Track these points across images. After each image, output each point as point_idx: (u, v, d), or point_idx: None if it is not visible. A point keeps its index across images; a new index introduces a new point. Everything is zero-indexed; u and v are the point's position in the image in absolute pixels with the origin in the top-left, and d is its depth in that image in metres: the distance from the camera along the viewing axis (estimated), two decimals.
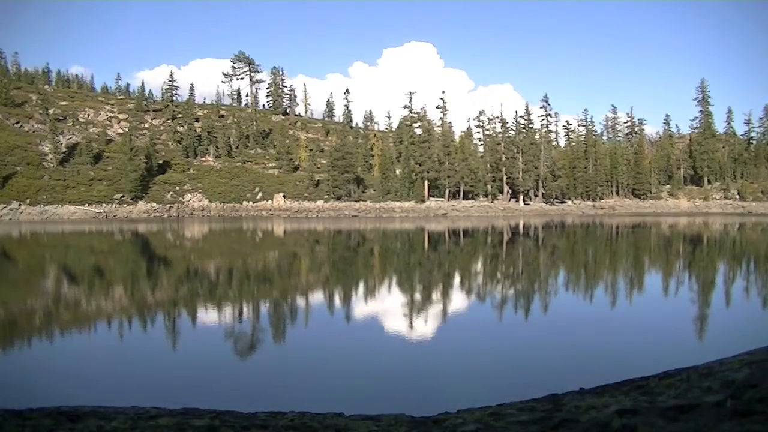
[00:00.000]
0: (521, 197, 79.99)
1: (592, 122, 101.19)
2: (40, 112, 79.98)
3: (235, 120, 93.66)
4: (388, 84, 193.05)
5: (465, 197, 79.22)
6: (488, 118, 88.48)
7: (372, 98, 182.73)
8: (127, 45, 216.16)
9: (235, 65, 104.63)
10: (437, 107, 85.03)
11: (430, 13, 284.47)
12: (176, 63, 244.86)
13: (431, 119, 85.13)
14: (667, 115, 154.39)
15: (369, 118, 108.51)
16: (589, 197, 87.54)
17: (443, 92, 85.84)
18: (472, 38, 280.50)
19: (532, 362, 8.67)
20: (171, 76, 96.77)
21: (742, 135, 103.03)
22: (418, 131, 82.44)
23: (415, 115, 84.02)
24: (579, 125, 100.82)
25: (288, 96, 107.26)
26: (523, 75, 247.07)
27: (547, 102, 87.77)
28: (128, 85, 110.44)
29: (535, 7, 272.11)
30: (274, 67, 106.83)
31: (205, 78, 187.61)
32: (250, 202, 76.32)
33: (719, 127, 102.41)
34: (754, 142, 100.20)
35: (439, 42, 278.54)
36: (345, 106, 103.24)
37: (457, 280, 19.33)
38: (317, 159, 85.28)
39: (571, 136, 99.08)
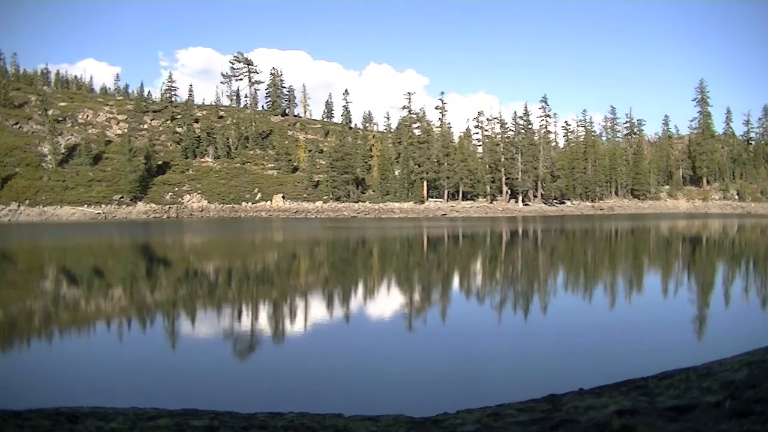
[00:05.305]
0: (520, 198, 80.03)
1: (591, 123, 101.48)
2: (39, 113, 79.95)
3: (234, 121, 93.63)
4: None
5: (464, 198, 79.26)
6: (487, 119, 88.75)
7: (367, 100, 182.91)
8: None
9: (234, 66, 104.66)
10: (436, 108, 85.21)
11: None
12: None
13: (430, 120, 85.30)
14: (666, 116, 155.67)
15: (368, 118, 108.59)
16: (588, 198, 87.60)
17: (442, 93, 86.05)
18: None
19: (532, 362, 8.66)
20: (170, 77, 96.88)
21: (741, 135, 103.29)
22: (417, 132, 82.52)
23: (414, 116, 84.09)
24: (578, 126, 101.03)
25: (287, 97, 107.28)
26: (521, 74, 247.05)
27: (546, 103, 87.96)
28: (127, 86, 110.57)
29: (533, 7, 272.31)
30: (273, 68, 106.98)
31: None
32: (249, 203, 76.33)
33: (718, 127, 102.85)
34: (753, 142, 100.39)
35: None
36: (344, 107, 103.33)
37: (456, 280, 19.33)
38: (316, 160, 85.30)
39: (570, 137, 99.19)
